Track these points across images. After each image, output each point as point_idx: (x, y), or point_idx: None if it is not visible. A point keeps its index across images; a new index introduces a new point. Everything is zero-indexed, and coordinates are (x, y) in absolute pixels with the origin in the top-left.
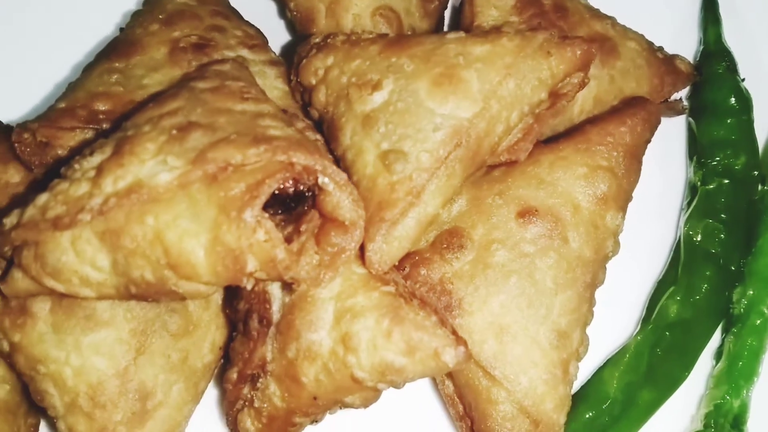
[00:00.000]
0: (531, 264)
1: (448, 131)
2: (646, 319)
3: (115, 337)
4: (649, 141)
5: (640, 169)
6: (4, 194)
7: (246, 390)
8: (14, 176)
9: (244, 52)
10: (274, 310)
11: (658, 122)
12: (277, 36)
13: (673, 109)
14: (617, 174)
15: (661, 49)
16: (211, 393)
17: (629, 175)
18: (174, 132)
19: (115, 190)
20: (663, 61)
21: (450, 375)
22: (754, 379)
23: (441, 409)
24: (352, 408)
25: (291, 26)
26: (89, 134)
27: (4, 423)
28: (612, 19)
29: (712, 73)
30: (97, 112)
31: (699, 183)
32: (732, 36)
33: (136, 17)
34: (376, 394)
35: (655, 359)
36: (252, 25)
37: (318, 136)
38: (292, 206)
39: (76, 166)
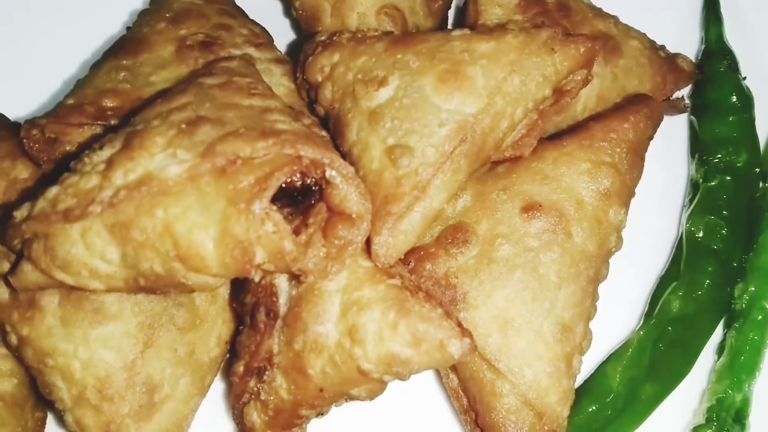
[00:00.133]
0: (535, 258)
1: (454, 127)
2: (648, 315)
3: (122, 331)
4: (651, 138)
5: (642, 166)
6: (13, 189)
7: (252, 383)
8: (23, 172)
9: (251, 51)
10: (281, 303)
11: (661, 119)
12: (283, 35)
13: (675, 107)
14: (620, 170)
15: (663, 47)
16: (218, 387)
17: (632, 171)
18: (183, 126)
19: (125, 183)
20: (665, 60)
21: (454, 368)
22: (756, 374)
23: (445, 402)
24: (358, 400)
25: (296, 25)
26: (97, 130)
27: (12, 416)
28: (614, 18)
29: (714, 71)
30: (105, 109)
31: (701, 180)
32: (733, 35)
33: (143, 16)
34: (381, 386)
35: (657, 354)
36: (258, 24)
37: (324, 133)
38: (299, 200)
39: (86, 160)
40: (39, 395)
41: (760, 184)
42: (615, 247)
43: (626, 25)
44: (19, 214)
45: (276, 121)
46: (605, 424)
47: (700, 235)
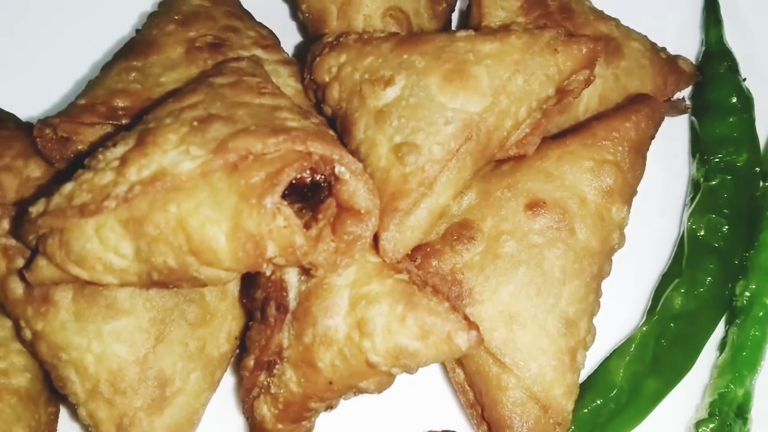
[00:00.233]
0: (539, 254)
1: (459, 125)
2: (651, 311)
3: (135, 326)
4: (653, 137)
5: (644, 164)
6: (26, 188)
7: (262, 377)
8: (35, 171)
9: (258, 52)
10: (291, 297)
11: (662, 118)
12: (289, 37)
13: (676, 108)
14: (622, 168)
15: (664, 49)
16: (228, 382)
17: (634, 170)
18: (195, 123)
19: (139, 179)
20: (666, 61)
21: (460, 363)
22: (758, 369)
23: (452, 397)
24: (366, 393)
25: (302, 28)
26: (109, 130)
27: (26, 411)
28: (616, 20)
29: (714, 73)
30: (117, 109)
31: (702, 179)
32: (733, 37)
33: (152, 18)
34: (390, 379)
35: (660, 350)
36: (265, 26)
37: (331, 132)
38: (309, 196)
39: (100, 157)
40: (52, 390)
41: (761, 183)
42: (618, 244)
43: (627, 28)
44: (35, 209)
45: (286, 119)
46: (609, 419)
47: (702, 233)
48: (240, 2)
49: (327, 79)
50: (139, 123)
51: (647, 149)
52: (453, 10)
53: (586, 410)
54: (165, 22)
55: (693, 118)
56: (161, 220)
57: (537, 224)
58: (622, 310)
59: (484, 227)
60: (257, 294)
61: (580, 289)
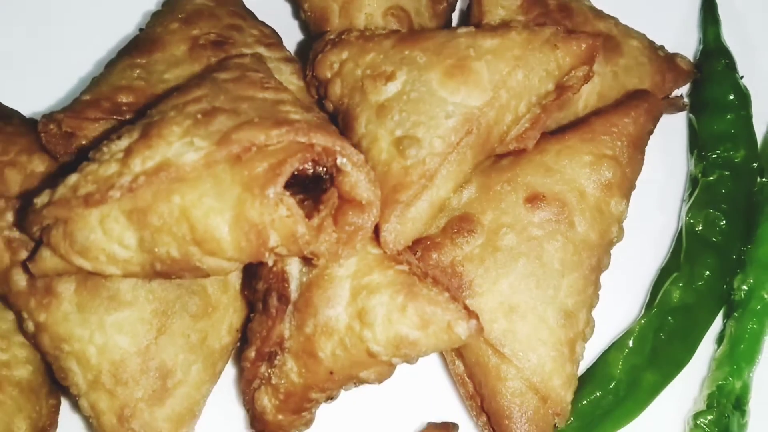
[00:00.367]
0: (539, 247)
1: (460, 119)
2: (649, 305)
3: (137, 317)
4: (651, 132)
5: (642, 159)
6: (30, 183)
7: (263, 368)
8: (39, 166)
9: (261, 50)
10: (292, 288)
11: (660, 114)
12: (291, 37)
13: (674, 106)
14: (621, 162)
15: (662, 48)
16: (229, 375)
17: (632, 164)
18: (199, 116)
19: (143, 169)
20: (664, 59)
21: (460, 354)
22: (756, 361)
23: (451, 388)
24: (367, 383)
25: (305, 27)
26: (113, 125)
27: (27, 402)
28: (615, 19)
29: (712, 70)
30: (121, 104)
31: (700, 175)
32: (730, 36)
33: (156, 17)
34: (390, 368)
35: (658, 343)
36: (267, 25)
37: (333, 127)
38: (311, 188)
39: (105, 149)
40: (53, 383)
41: (758, 179)
42: (616, 238)
43: (626, 26)
44: (40, 200)
45: (289, 112)
46: (607, 411)
47: (700, 228)
48: (243, 2)
49: (329, 75)
50: (143, 117)
51: (645, 144)
52: (453, 10)
53: (585, 402)
54: (169, 21)
55: (691, 115)
56: (165, 211)
57: (536, 217)
58: (620, 304)
59: (484, 220)
60: (259, 285)
61: (579, 281)
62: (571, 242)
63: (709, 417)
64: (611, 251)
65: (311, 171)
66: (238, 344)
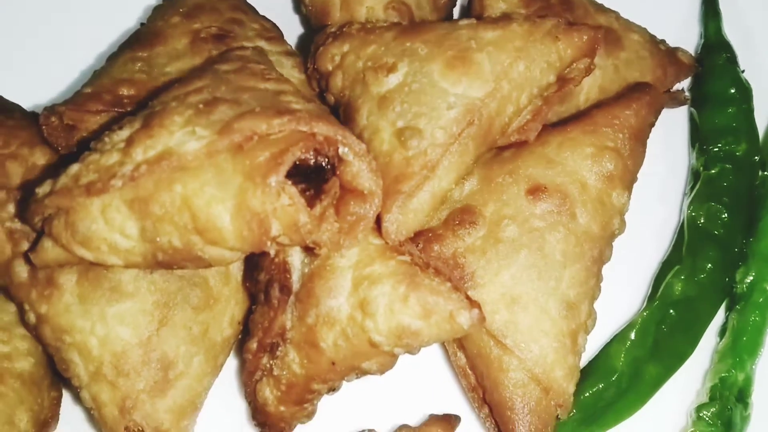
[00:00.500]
0: (540, 238)
1: (461, 110)
2: (651, 297)
3: (139, 308)
4: (653, 124)
5: (644, 151)
6: (31, 176)
7: (265, 360)
8: (40, 159)
9: (262, 44)
10: (294, 279)
11: (662, 107)
12: (292, 31)
13: (676, 99)
14: (623, 154)
15: (663, 42)
16: (230, 367)
17: (634, 156)
18: (201, 106)
19: (145, 158)
20: (665, 53)
21: (462, 346)
22: (758, 354)
23: (453, 381)
24: (369, 374)
25: (305, 21)
26: (114, 117)
27: (29, 394)
28: (616, 13)
29: (713, 64)
30: (122, 97)
31: (701, 169)
32: (731, 30)
33: (158, 11)
34: (392, 359)
35: (660, 335)
36: (268, 20)
37: (334, 118)
38: (313, 179)
39: (106, 139)
40: (55, 375)
41: (760, 172)
42: (618, 230)
43: (627, 20)
44: (42, 190)
45: (290, 102)
46: (610, 403)
47: (702, 221)
48: None
49: (330, 68)
50: (144, 108)
51: (647, 136)
52: (455, 4)
53: (587, 394)
54: (170, 15)
55: (692, 109)
56: (167, 200)
57: (538, 209)
58: (622, 296)
59: (485, 212)
60: (260, 277)
61: (580, 272)
62: (572, 234)
63: (712, 409)
64: (613, 244)
65: (313, 161)
66: (240, 337)
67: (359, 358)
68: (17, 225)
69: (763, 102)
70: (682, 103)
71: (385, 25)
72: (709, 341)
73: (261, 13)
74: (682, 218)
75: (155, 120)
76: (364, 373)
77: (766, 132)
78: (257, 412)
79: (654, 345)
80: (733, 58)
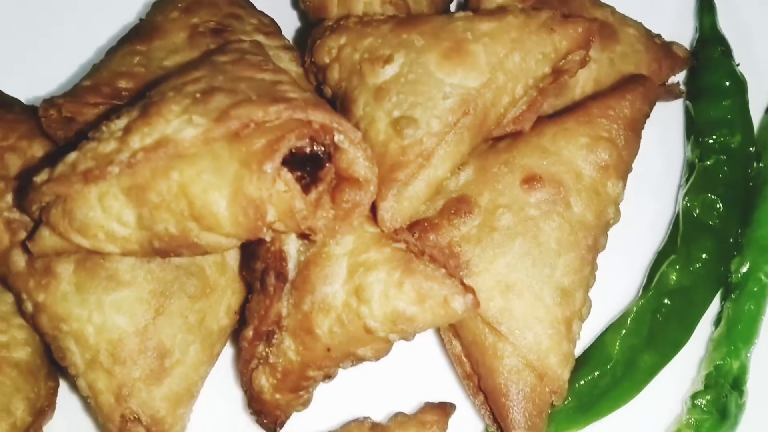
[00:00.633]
0: (535, 227)
1: (457, 99)
2: (646, 287)
3: (135, 297)
4: (647, 115)
5: (639, 142)
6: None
7: (261, 348)
8: (39, 151)
9: (260, 38)
10: (290, 267)
11: (656, 98)
12: (290, 27)
13: (671, 93)
14: (617, 145)
15: (658, 36)
16: (227, 358)
17: (629, 147)
18: (198, 95)
19: (142, 146)
20: (661, 47)
21: (457, 334)
22: (753, 342)
23: (449, 369)
24: (364, 361)
25: (303, 17)
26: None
27: (26, 383)
28: (611, 7)
29: (708, 58)
30: (120, 90)
31: (697, 160)
32: (726, 24)
33: (157, 6)
34: (387, 346)
35: (656, 324)
36: (266, 15)
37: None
38: (309, 169)
39: (104, 128)
40: (52, 365)
41: (754, 164)
42: (613, 219)
43: (622, 14)
44: (39, 178)
45: (287, 91)
46: (605, 392)
47: (697, 212)
48: None
49: (327, 60)
50: (142, 99)
51: (642, 127)
52: (451, 0)
53: (582, 383)
54: (169, 10)
55: (688, 102)
56: (163, 187)
57: (533, 198)
58: (618, 286)
59: (480, 201)
60: (257, 264)
61: (575, 260)
62: (567, 222)
63: (707, 397)
64: (609, 234)
65: (309, 149)
66: (237, 327)
67: (354, 345)
68: (15, 215)
69: (757, 94)
70: (677, 97)
71: (382, 18)
72: (704, 331)
73: (259, 8)
74: (677, 209)
75: (153, 109)
76: (360, 359)
77: (761, 124)
78: (253, 400)
79: (649, 333)
80: (728, 52)
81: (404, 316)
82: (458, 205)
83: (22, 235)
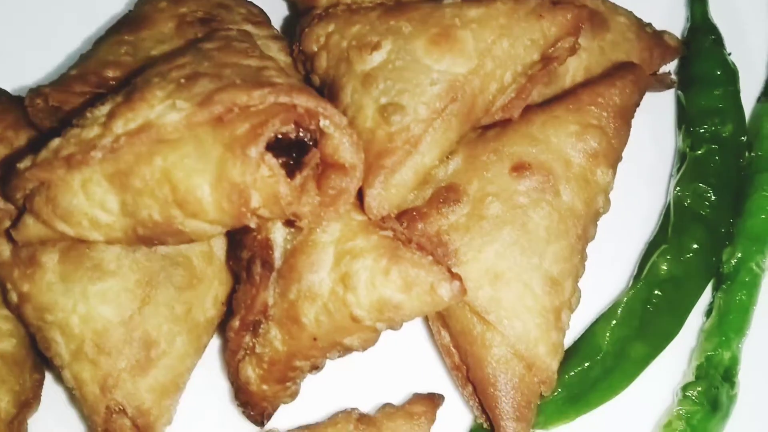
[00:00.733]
0: (524, 215)
1: (445, 86)
2: (637, 277)
3: (121, 287)
4: (637, 104)
5: (629, 131)
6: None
7: (247, 338)
8: (25, 141)
9: (248, 27)
10: (276, 256)
11: (646, 86)
12: (279, 16)
13: (662, 82)
14: (607, 132)
15: (649, 25)
16: (213, 349)
17: (619, 135)
18: (182, 81)
19: (125, 131)
20: (652, 36)
21: (446, 324)
22: (744, 333)
23: (437, 360)
24: (351, 350)
25: (293, 8)
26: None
27: (11, 375)
28: None
29: (700, 47)
30: (108, 79)
31: (688, 150)
32: (718, 13)
33: None
34: (374, 335)
35: (646, 315)
36: (255, 5)
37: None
38: (293, 154)
39: (88, 114)
40: (37, 357)
41: (746, 153)
42: (603, 208)
43: (613, 3)
44: (23, 164)
45: (272, 76)
46: (595, 382)
47: (688, 201)
48: None
49: (315, 48)
50: (127, 85)
51: (632, 116)
52: None
53: (572, 373)
54: (157, 0)
55: (679, 92)
56: (147, 173)
57: (522, 186)
58: (609, 276)
59: (469, 190)
60: (243, 254)
61: (564, 249)
62: (556, 210)
63: (698, 388)
64: (599, 224)
65: (294, 135)
66: (224, 318)
67: (341, 334)
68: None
69: (749, 83)
70: (668, 86)
71: (370, 5)
72: (695, 321)
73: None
74: (668, 199)
75: (137, 94)
76: (347, 349)
77: (753, 113)
78: (240, 391)
79: (640, 324)
80: (720, 41)
81: (391, 303)
82: (447, 194)
83: (6, 224)
